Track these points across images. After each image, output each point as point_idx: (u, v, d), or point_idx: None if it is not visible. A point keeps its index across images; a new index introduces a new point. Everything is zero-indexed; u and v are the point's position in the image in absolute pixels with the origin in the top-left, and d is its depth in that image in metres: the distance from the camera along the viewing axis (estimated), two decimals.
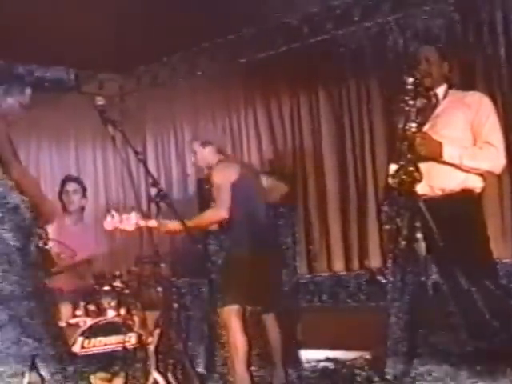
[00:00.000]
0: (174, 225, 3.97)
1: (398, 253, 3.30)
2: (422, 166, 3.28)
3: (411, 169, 3.22)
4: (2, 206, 3.07)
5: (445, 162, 3.40)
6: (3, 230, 3.01)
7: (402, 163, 3.23)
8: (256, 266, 4.12)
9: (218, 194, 4.25)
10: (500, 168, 3.53)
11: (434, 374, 3.22)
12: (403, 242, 3.26)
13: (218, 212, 4.25)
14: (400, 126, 3.35)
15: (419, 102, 3.42)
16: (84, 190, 5.31)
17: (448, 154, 3.38)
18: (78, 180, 5.38)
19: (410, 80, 3.37)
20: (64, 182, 5.23)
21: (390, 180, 3.26)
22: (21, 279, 2.97)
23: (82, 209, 5.34)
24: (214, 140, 4.56)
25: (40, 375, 2.84)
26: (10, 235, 3.01)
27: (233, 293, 4.12)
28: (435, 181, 3.40)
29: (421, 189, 3.29)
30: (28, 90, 3.47)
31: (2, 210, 3.06)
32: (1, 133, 3.20)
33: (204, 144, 4.49)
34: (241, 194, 4.25)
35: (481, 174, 3.49)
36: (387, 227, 3.41)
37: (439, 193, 3.42)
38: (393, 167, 3.33)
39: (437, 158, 3.38)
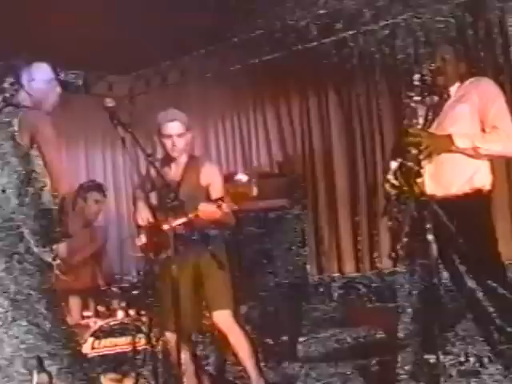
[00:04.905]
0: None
1: (401, 250, 3.29)
2: (429, 166, 3.26)
3: (412, 165, 3.19)
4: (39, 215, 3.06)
5: (457, 151, 3.34)
6: (27, 231, 3.02)
7: (401, 160, 3.20)
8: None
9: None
10: None
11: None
12: (405, 239, 3.24)
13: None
14: (405, 122, 3.34)
15: (432, 99, 3.41)
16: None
17: (459, 140, 3.32)
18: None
19: (417, 76, 3.36)
20: (86, 190, 5.19)
21: (391, 177, 3.25)
22: (32, 280, 2.98)
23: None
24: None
25: (49, 375, 2.85)
26: (31, 236, 3.02)
27: (229, 296, 4.03)
28: (443, 180, 3.38)
29: (429, 189, 3.27)
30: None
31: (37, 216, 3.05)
32: (51, 141, 3.12)
33: (189, 129, 4.11)
34: None
35: (490, 170, 3.44)
36: (390, 223, 3.40)
37: (447, 193, 3.40)
38: (393, 164, 3.30)
39: (449, 148, 3.33)
